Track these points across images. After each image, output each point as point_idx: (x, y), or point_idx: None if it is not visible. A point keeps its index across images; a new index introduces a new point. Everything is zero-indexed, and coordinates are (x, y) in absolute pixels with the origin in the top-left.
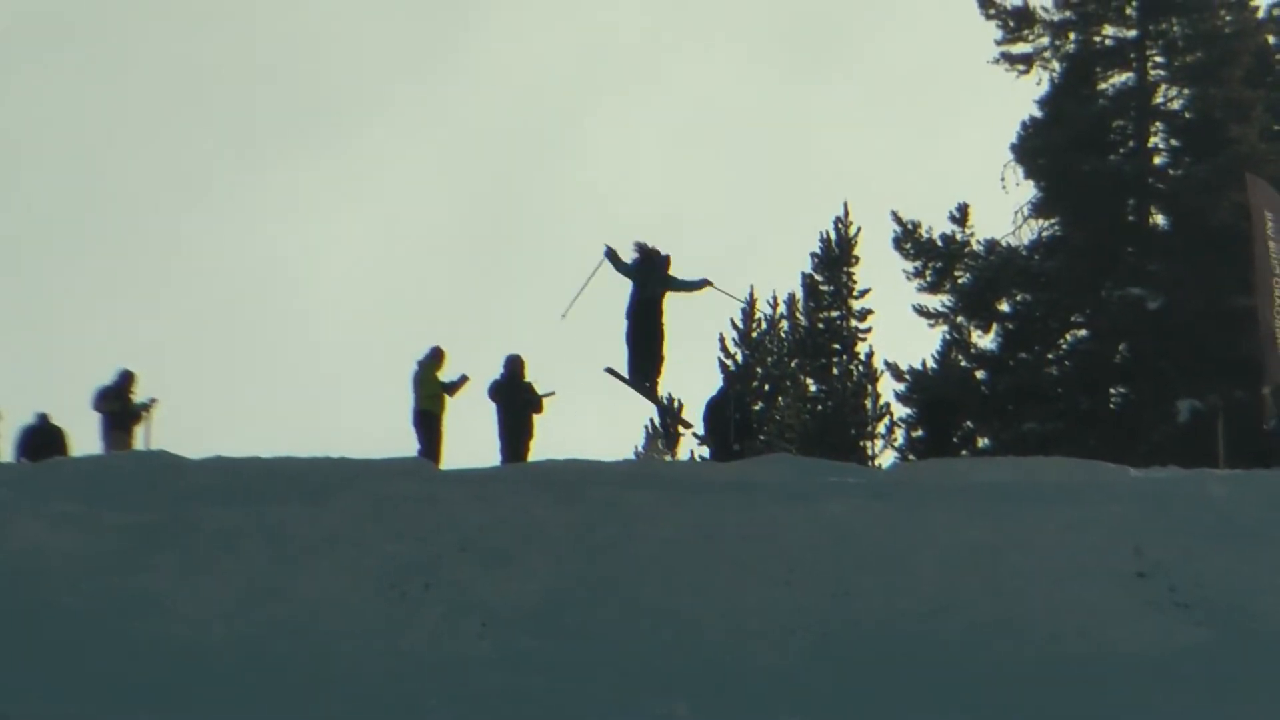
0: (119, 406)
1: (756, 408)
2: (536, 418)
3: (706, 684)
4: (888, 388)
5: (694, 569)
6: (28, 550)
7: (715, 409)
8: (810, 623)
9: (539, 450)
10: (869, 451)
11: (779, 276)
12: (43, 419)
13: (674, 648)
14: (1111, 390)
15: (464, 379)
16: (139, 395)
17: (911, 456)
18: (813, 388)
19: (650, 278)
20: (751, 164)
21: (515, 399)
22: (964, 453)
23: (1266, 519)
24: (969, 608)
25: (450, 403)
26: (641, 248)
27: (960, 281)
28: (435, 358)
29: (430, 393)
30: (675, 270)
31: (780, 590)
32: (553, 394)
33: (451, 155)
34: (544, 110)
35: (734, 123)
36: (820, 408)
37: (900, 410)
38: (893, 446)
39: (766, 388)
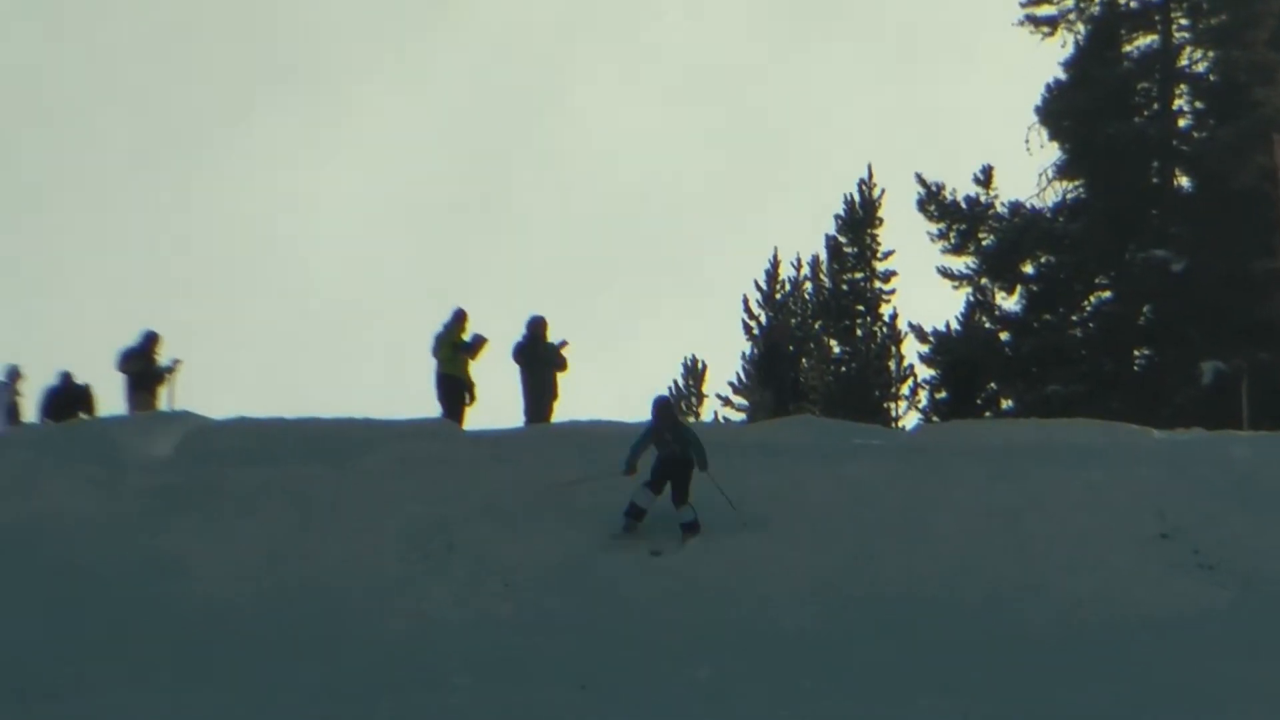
0: (143, 368)
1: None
2: (560, 378)
3: (728, 646)
4: (911, 349)
5: (717, 529)
6: (51, 511)
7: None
8: (833, 584)
9: (562, 412)
10: (892, 413)
11: (803, 238)
12: (66, 379)
13: (696, 610)
14: (1135, 352)
15: (482, 340)
16: (163, 357)
17: (935, 418)
18: (836, 349)
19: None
20: (775, 125)
21: (538, 359)
22: (987, 415)
23: None
24: (991, 570)
25: (473, 365)
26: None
27: (984, 243)
28: (457, 321)
29: (451, 356)
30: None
31: (803, 552)
32: (566, 343)
33: (456, 110)
34: (548, 66)
35: (759, 82)
36: (844, 369)
37: (924, 372)
38: (916, 408)
39: (791, 349)
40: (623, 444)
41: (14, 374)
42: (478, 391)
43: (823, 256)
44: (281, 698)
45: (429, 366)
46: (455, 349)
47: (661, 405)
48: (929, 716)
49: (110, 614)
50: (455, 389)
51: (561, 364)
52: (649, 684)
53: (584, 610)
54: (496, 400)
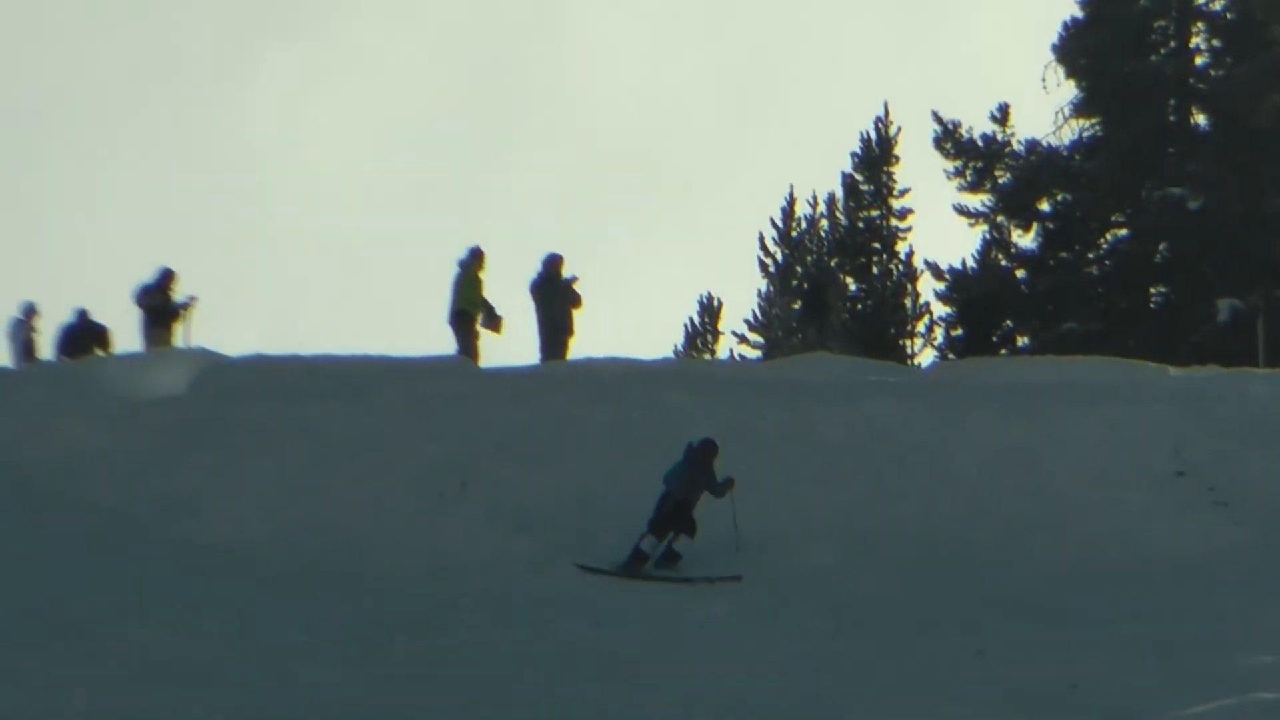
0: (159, 304)
1: (795, 307)
2: (576, 314)
3: (744, 583)
4: (928, 287)
5: (732, 468)
6: (67, 448)
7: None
8: (848, 522)
9: (578, 349)
10: (908, 351)
11: (819, 176)
12: (82, 316)
13: (711, 548)
14: (1151, 290)
15: (498, 319)
16: (179, 293)
17: (951, 356)
18: (852, 287)
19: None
20: (792, 62)
21: (554, 296)
22: (1003, 352)
23: None
24: (1007, 508)
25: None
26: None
27: (1000, 181)
28: (475, 258)
29: (470, 294)
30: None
31: (818, 490)
32: (577, 279)
33: (465, 44)
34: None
35: (775, 17)
36: (860, 307)
37: (940, 309)
38: (932, 346)
39: (806, 287)
40: (640, 381)
41: (30, 311)
42: (504, 326)
43: (839, 194)
44: (295, 635)
45: (446, 303)
46: (476, 302)
47: (710, 450)
48: (944, 654)
49: (125, 551)
50: (471, 326)
51: (577, 300)
52: (665, 621)
53: (599, 549)
54: (513, 337)
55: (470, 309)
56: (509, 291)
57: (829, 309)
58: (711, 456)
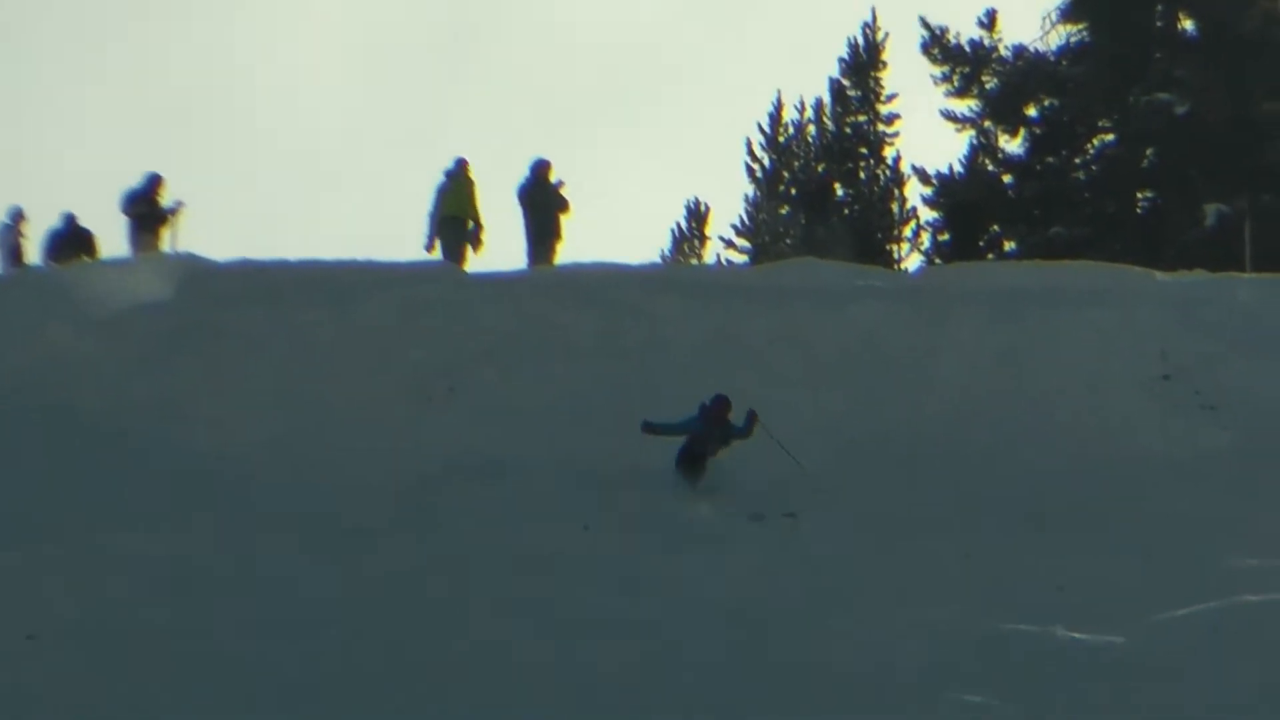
0: (146, 210)
1: (784, 211)
2: (564, 220)
3: (730, 485)
4: (915, 192)
5: (719, 373)
6: (54, 354)
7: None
8: (835, 427)
9: (565, 255)
10: (895, 256)
11: (807, 81)
12: (70, 221)
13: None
14: (1138, 195)
15: (480, 232)
16: (166, 199)
17: (938, 261)
18: (840, 192)
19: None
20: None
21: (541, 201)
22: (990, 257)
23: None
24: (994, 412)
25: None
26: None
27: (988, 87)
28: (463, 168)
29: (461, 200)
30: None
31: (805, 394)
32: (563, 184)
33: None
34: None
35: None
36: (847, 212)
37: (927, 214)
38: (919, 251)
39: (793, 191)
40: (627, 287)
41: (17, 216)
42: (485, 236)
43: (826, 100)
44: (280, 539)
45: (429, 212)
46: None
47: (724, 405)
48: (932, 556)
49: (111, 456)
50: (458, 232)
51: (564, 205)
52: (649, 524)
53: (587, 452)
54: (500, 243)
55: (461, 214)
56: (495, 200)
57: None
58: (726, 412)
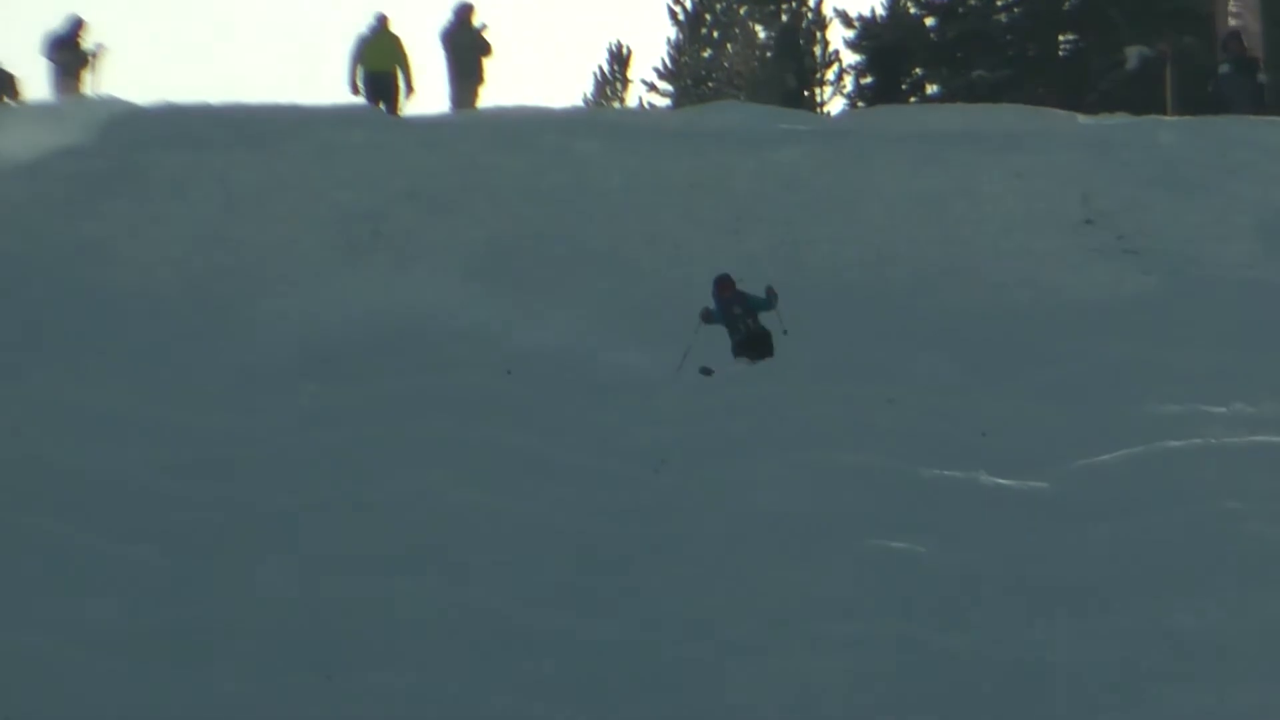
0: (69, 53)
1: (706, 54)
2: (486, 63)
3: (653, 328)
4: (837, 35)
5: (643, 216)
6: None
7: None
8: (757, 269)
9: (488, 98)
10: (818, 99)
11: None
12: None
13: (621, 294)
14: (1060, 38)
15: (409, 88)
16: (88, 42)
17: (860, 104)
18: (761, 34)
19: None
20: None
21: (463, 44)
22: (912, 100)
23: (1213, 166)
24: (917, 255)
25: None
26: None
27: None
28: (381, 24)
29: (388, 54)
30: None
31: (728, 238)
32: (486, 27)
33: None
34: None
35: None
36: (769, 55)
37: (849, 57)
38: (842, 94)
39: (715, 34)
40: (550, 130)
41: None
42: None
43: None
44: (204, 379)
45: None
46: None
47: (723, 281)
48: (855, 401)
49: (34, 299)
50: (384, 86)
51: (486, 48)
52: (576, 370)
53: (508, 293)
54: (423, 87)
55: (388, 68)
56: (418, 45)
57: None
58: (729, 288)
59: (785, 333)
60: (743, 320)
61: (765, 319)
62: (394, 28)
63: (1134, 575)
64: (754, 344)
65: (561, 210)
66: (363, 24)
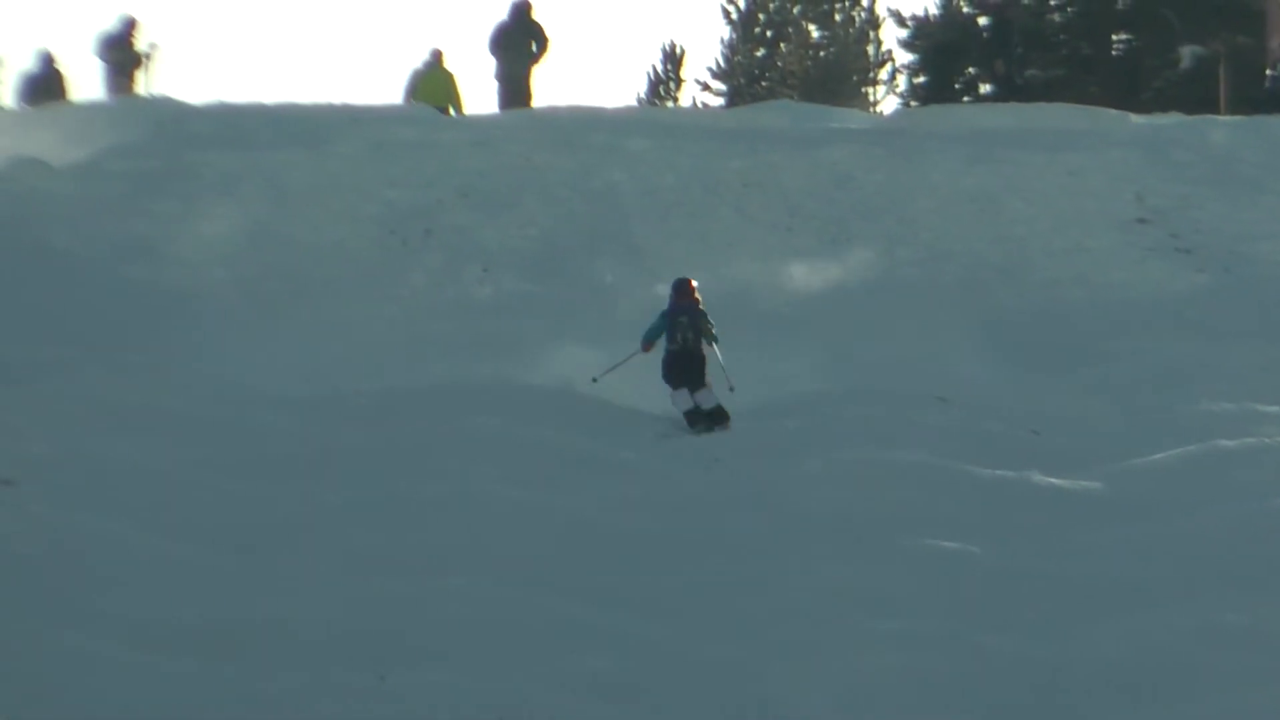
0: (121, 53)
1: (759, 54)
2: (538, 67)
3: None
4: (890, 34)
5: (694, 215)
6: (29, 195)
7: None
8: (810, 267)
9: (541, 98)
10: (871, 98)
11: None
12: (46, 63)
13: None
14: (1114, 37)
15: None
16: (141, 41)
17: (913, 103)
18: (815, 34)
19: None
20: None
21: (516, 45)
22: (966, 99)
23: (1266, 165)
24: (969, 253)
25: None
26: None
27: None
28: (436, 60)
29: (441, 91)
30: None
31: (780, 235)
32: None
33: None
34: None
35: None
36: (823, 54)
37: (903, 57)
38: (895, 93)
39: (769, 34)
40: (603, 129)
41: None
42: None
43: None
44: (256, 379)
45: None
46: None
47: (683, 286)
48: (906, 399)
49: (86, 297)
50: None
51: (543, 45)
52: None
53: (562, 293)
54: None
55: (441, 104)
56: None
57: None
58: (689, 294)
59: (731, 389)
60: (683, 330)
61: (709, 359)
62: (448, 64)
63: (1186, 574)
64: (684, 360)
65: (612, 209)
66: (420, 51)
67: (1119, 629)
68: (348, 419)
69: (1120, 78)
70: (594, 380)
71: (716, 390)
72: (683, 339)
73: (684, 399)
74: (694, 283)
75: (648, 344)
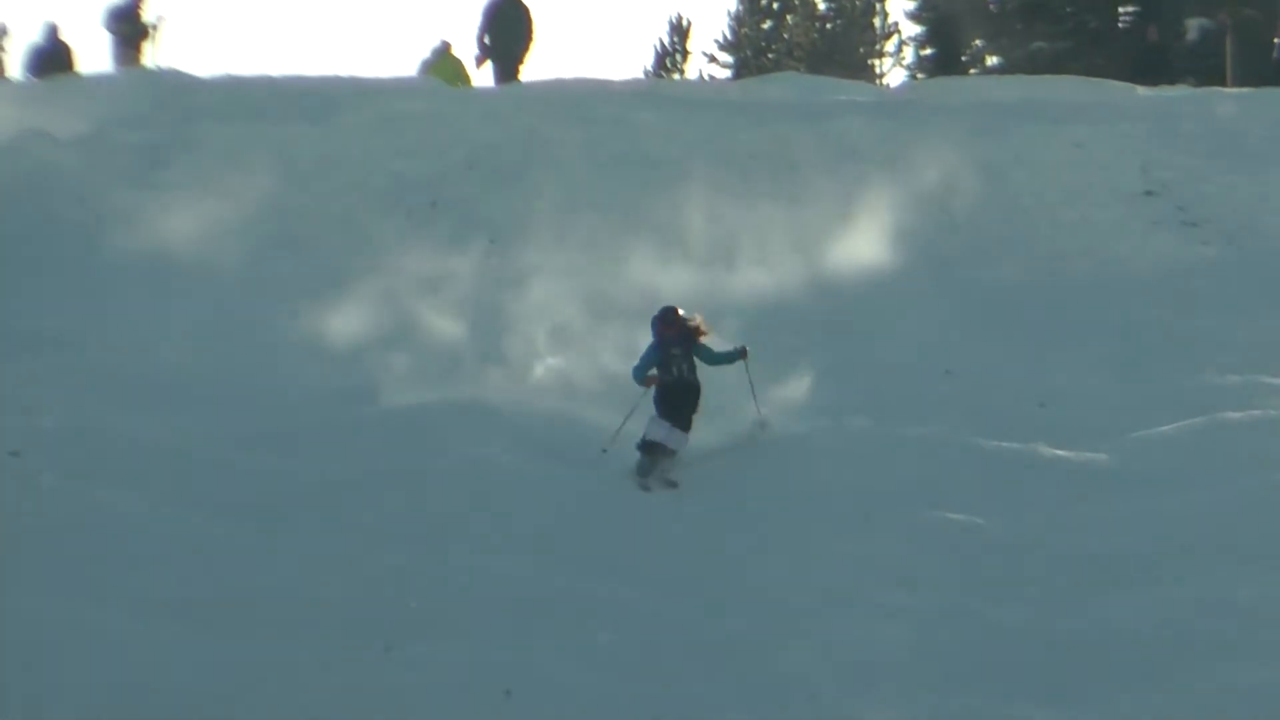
0: (129, 27)
1: (766, 26)
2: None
3: (709, 298)
4: (897, 6)
5: (702, 186)
6: (36, 167)
7: None
8: (816, 240)
9: (548, 70)
10: (877, 70)
11: None
12: (52, 35)
13: (679, 259)
14: (1120, 9)
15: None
16: (148, 13)
17: (920, 76)
18: (821, 6)
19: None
20: None
21: (512, 18)
22: (972, 72)
23: (1273, 138)
24: (975, 224)
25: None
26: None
27: None
28: (445, 50)
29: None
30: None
31: (786, 208)
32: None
33: None
34: None
35: None
36: (829, 26)
37: (909, 29)
38: (901, 65)
39: (775, 6)
40: (610, 102)
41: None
42: None
43: None
44: (263, 347)
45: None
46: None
47: (667, 316)
48: (911, 371)
49: (93, 270)
50: None
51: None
52: (630, 337)
53: (569, 262)
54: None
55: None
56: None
57: None
58: (674, 324)
59: (764, 427)
60: (678, 363)
61: (724, 377)
62: (456, 53)
63: (1192, 546)
64: (680, 392)
65: (620, 181)
66: (427, 26)
67: (1127, 601)
68: (356, 390)
69: (1127, 50)
70: (604, 451)
71: (748, 428)
72: (678, 371)
73: (659, 429)
74: (680, 311)
75: (648, 379)
